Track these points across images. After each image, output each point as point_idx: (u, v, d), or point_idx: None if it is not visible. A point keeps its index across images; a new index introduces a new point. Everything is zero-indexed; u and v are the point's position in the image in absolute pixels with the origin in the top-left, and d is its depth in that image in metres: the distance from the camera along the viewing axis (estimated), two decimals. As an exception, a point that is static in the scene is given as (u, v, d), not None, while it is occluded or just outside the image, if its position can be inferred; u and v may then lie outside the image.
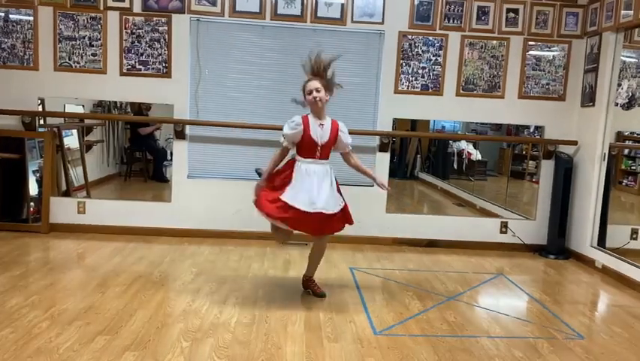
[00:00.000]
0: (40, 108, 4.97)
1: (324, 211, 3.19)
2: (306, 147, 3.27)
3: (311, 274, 3.62)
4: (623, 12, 4.41)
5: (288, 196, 3.19)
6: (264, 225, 4.98)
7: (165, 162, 6.66)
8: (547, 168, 5.21)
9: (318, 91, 3.22)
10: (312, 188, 3.20)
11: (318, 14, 4.87)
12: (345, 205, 3.36)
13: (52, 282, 3.58)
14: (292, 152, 3.41)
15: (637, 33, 4.63)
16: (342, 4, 4.87)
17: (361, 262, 4.50)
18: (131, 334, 2.82)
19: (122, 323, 2.96)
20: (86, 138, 6.03)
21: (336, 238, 4.86)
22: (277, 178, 3.33)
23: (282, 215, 3.19)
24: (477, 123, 5.63)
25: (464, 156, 7.12)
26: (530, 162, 6.37)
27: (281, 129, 4.95)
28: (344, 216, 3.36)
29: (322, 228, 3.29)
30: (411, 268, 4.45)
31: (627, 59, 4.75)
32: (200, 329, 2.95)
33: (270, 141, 4.98)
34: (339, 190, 3.38)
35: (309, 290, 3.59)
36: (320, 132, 3.26)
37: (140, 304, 3.25)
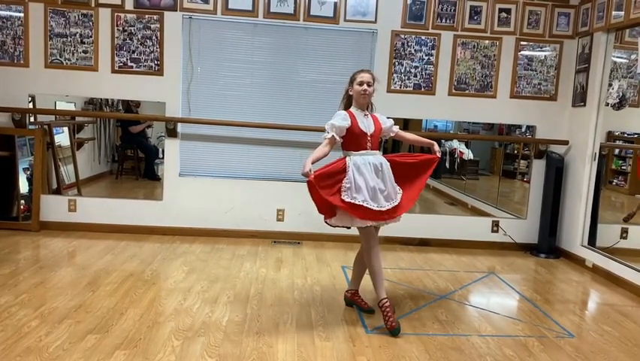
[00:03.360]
0: (30, 105, 4.93)
1: (389, 206, 3.10)
2: (356, 139, 3.12)
3: (356, 287, 3.45)
4: (614, 13, 4.44)
5: (350, 197, 3.02)
6: (255, 224, 5.01)
7: (157, 160, 6.62)
8: (538, 167, 5.23)
9: (369, 85, 3.15)
10: (371, 179, 3.05)
11: (311, 13, 4.87)
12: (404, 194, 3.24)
13: (43, 280, 3.56)
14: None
15: (628, 34, 4.65)
16: (335, 3, 4.87)
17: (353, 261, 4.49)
18: (122, 333, 2.81)
19: (113, 321, 2.95)
20: (77, 136, 5.98)
21: (327, 237, 4.89)
22: (330, 179, 3.06)
23: (353, 211, 3.02)
24: (469, 123, 5.63)
25: (456, 155, 7.13)
26: (522, 161, 6.39)
27: (273, 127, 4.95)
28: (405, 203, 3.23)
29: (391, 214, 3.15)
30: (403, 266, 4.46)
31: (618, 60, 4.78)
32: (192, 327, 2.94)
33: (262, 139, 4.98)
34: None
35: (355, 305, 3.41)
36: (366, 123, 3.17)
37: (131, 303, 3.24)
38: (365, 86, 3.14)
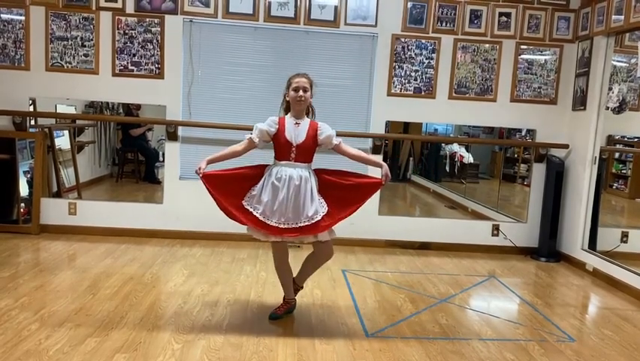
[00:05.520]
0: (31, 108, 4.93)
1: (292, 225, 2.93)
2: (281, 148, 3.01)
3: (300, 283, 3.32)
4: (614, 17, 4.45)
5: (250, 205, 2.98)
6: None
7: (157, 164, 6.64)
8: (538, 171, 5.23)
9: (305, 90, 3.00)
10: (283, 193, 2.91)
11: (312, 16, 4.88)
12: (331, 212, 3.00)
13: (43, 284, 3.56)
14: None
15: (627, 38, 4.66)
16: (336, 7, 4.88)
17: (353, 265, 4.50)
18: (122, 336, 2.81)
19: (113, 325, 2.95)
20: (77, 139, 5.99)
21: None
22: (242, 182, 3.04)
23: (249, 219, 2.96)
24: (469, 126, 5.66)
25: (456, 159, 7.15)
26: (522, 165, 6.40)
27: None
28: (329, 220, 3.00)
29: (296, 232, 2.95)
30: (403, 270, 4.46)
31: (618, 64, 4.78)
32: (192, 331, 2.94)
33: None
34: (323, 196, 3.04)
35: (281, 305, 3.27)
36: (295, 132, 3.00)
37: (131, 306, 3.23)
38: (300, 92, 2.98)
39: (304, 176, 2.97)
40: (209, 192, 3.00)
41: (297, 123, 3.05)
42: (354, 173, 3.15)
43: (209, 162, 3.02)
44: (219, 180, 3.01)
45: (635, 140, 5.26)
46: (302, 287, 3.36)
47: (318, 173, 3.08)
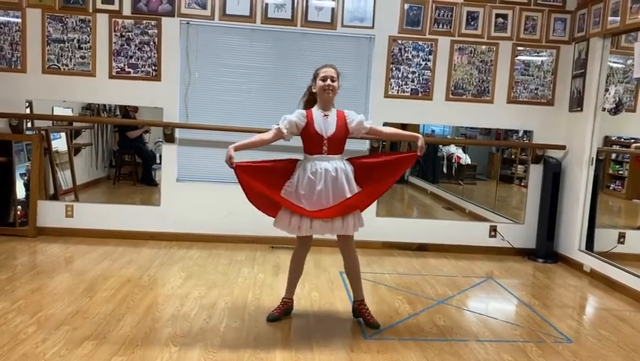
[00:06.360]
0: (28, 111, 4.92)
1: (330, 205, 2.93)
2: (311, 142, 2.98)
3: (361, 297, 3.24)
4: (610, 18, 4.46)
5: (288, 197, 2.97)
6: (253, 229, 4.99)
7: (154, 166, 6.63)
8: (535, 172, 5.24)
9: (333, 80, 2.97)
10: (319, 186, 2.91)
11: (309, 18, 4.88)
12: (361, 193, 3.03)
13: (39, 286, 3.54)
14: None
15: (624, 39, 4.68)
16: (333, 9, 4.88)
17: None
18: (119, 339, 2.80)
19: (110, 327, 2.94)
20: (74, 141, 5.98)
21: (325, 242, 4.87)
22: (273, 175, 3.01)
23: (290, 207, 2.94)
24: (466, 128, 5.66)
25: (453, 160, 7.15)
26: (519, 166, 6.41)
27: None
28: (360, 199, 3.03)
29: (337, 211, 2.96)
30: (400, 271, 4.46)
31: (614, 65, 4.80)
32: (189, 333, 2.93)
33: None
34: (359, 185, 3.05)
35: (361, 318, 3.22)
36: (325, 124, 2.98)
37: (129, 309, 3.23)
38: (329, 81, 2.96)
39: (339, 167, 2.97)
40: (241, 183, 2.96)
41: (325, 115, 3.01)
42: (385, 152, 3.14)
43: (237, 148, 2.92)
44: (252, 172, 2.96)
45: (632, 141, 5.27)
46: (363, 299, 3.26)
47: (352, 160, 3.09)
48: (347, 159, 3.08)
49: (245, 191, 3.01)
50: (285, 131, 3.00)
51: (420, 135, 3.10)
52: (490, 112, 5.14)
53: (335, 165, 2.96)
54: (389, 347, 2.92)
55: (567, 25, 5.06)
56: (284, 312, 3.23)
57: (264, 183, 2.97)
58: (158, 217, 4.99)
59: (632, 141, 5.28)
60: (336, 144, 3.00)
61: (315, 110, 3.03)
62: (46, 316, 3.05)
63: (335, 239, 3.22)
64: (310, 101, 3.10)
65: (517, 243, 5.22)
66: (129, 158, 6.88)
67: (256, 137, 3.08)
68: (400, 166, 3.15)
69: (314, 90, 3.05)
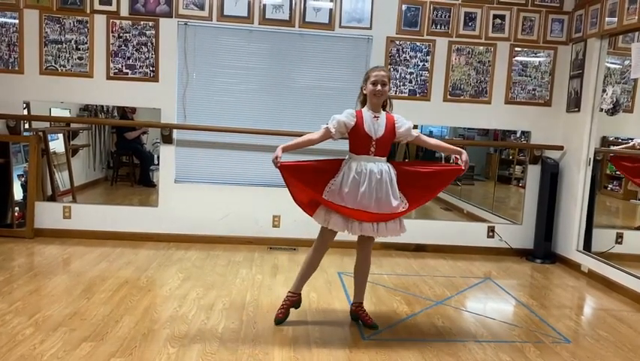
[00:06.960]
0: (25, 112, 4.91)
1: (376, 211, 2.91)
2: (359, 142, 2.96)
3: (361, 300, 3.25)
4: (607, 19, 4.47)
5: (330, 198, 2.94)
6: (251, 230, 4.99)
7: (152, 167, 6.61)
8: (533, 172, 5.25)
9: (384, 84, 2.97)
10: (364, 188, 2.89)
11: (307, 19, 4.88)
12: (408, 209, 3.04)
13: (37, 288, 3.54)
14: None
15: (621, 40, 4.69)
16: (331, 10, 4.88)
17: (350, 267, 4.44)
18: (117, 340, 2.79)
19: (108, 329, 2.93)
20: (71, 142, 5.96)
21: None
22: (318, 175, 3.00)
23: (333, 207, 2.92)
24: (464, 128, 5.65)
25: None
26: (517, 166, 6.41)
27: (269, 134, 4.93)
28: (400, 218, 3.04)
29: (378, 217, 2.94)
30: (399, 272, 4.46)
31: (612, 65, 4.81)
32: (187, 335, 2.93)
33: (258, 145, 4.97)
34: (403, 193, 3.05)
35: (360, 320, 3.23)
36: (375, 126, 2.96)
37: (127, 310, 3.22)
38: (379, 86, 2.96)
39: (384, 170, 2.96)
40: (286, 182, 2.95)
41: (375, 117, 3.01)
42: (430, 161, 3.14)
43: (285, 149, 2.91)
44: (297, 171, 2.95)
45: (629, 141, 5.28)
46: (362, 302, 3.26)
47: (396, 165, 3.08)
48: (391, 163, 3.07)
49: (290, 191, 3.01)
50: (333, 130, 2.98)
51: (464, 151, 3.10)
52: (488, 113, 5.14)
53: (380, 168, 2.96)
54: (387, 347, 2.92)
55: (564, 25, 5.07)
56: (291, 307, 3.20)
57: (307, 182, 2.96)
58: (156, 218, 4.98)
59: (625, 140, 5.27)
60: (383, 146, 3.00)
61: (366, 111, 3.03)
62: (43, 317, 3.04)
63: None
64: (364, 101, 3.10)
65: (515, 243, 5.23)
66: (127, 159, 6.86)
67: (304, 137, 3.05)
68: (445, 179, 3.17)
69: (365, 92, 3.06)
